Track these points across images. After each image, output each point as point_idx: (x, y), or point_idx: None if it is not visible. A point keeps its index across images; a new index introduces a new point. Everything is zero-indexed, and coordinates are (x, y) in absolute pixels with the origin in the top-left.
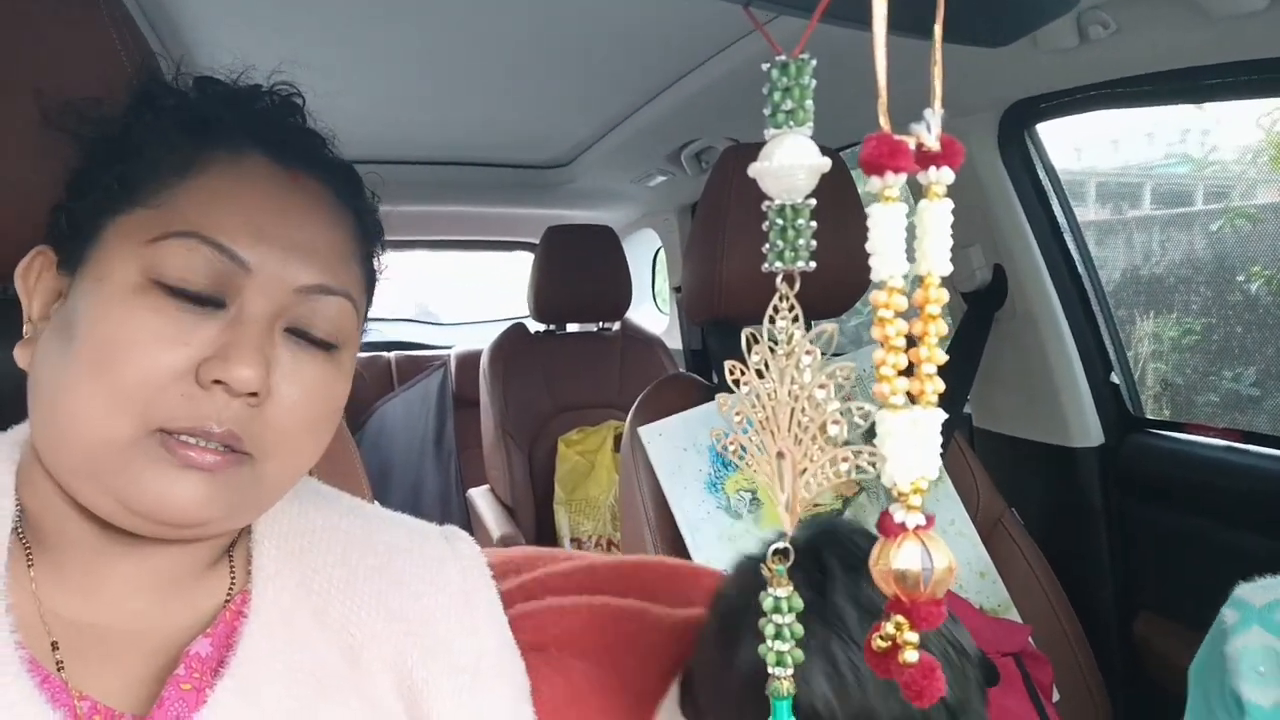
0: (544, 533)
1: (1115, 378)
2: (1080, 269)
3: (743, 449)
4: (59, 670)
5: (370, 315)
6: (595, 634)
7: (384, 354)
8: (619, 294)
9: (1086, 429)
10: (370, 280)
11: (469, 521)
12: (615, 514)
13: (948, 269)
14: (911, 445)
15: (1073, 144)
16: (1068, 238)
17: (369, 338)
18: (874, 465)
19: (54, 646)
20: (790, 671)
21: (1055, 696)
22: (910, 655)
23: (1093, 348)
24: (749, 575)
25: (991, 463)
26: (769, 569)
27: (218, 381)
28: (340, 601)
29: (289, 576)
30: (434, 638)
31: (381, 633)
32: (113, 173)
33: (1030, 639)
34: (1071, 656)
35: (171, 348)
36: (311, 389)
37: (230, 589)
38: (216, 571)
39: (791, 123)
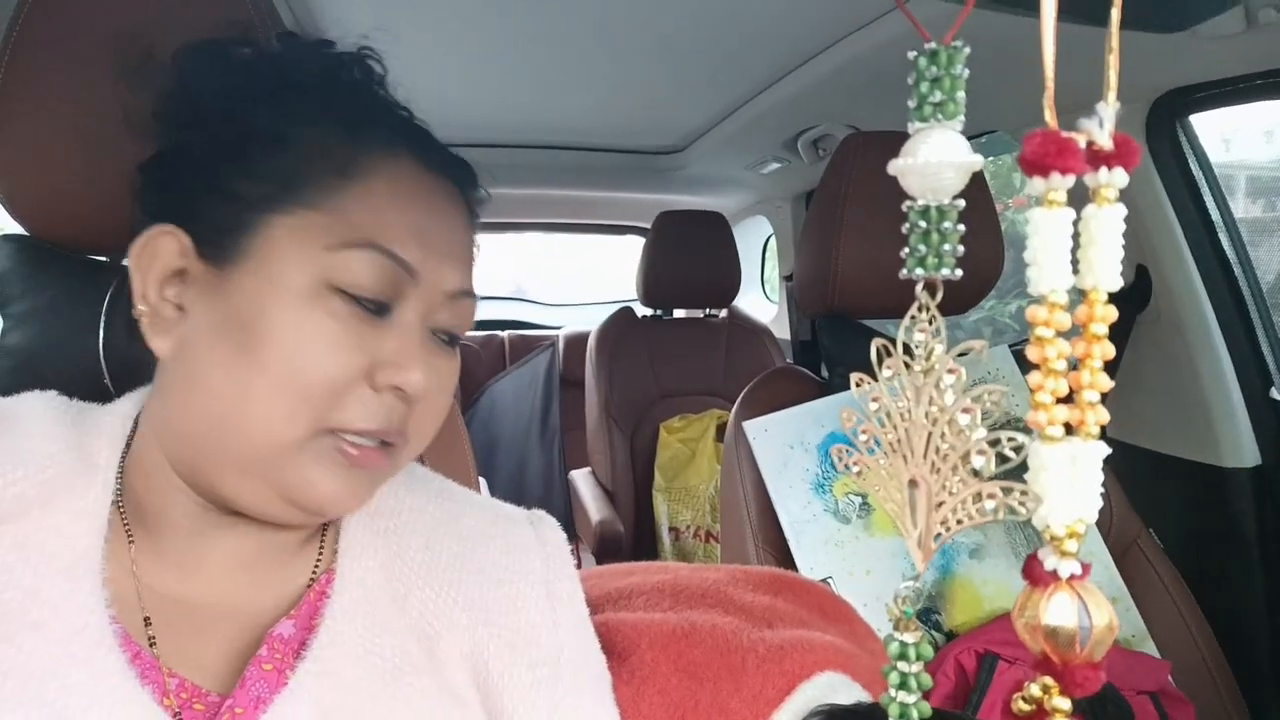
0: (642, 519)
1: (1276, 393)
2: (1237, 271)
3: (869, 471)
4: (151, 646)
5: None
6: (689, 649)
7: (499, 333)
8: (728, 281)
9: (1240, 448)
10: None
11: (569, 503)
12: (715, 505)
13: (1117, 283)
14: (1069, 483)
15: (1221, 135)
16: (1222, 236)
17: (483, 316)
18: (1025, 506)
19: (146, 622)
20: None
21: None
22: None
23: (1250, 359)
24: None
25: (1128, 479)
26: (895, 609)
27: (393, 386)
28: (420, 589)
29: (373, 557)
30: (513, 629)
31: (460, 622)
32: (269, 166)
33: (1170, 677)
34: (1217, 699)
35: (350, 354)
36: (445, 382)
37: (316, 568)
38: (307, 550)
39: (940, 116)
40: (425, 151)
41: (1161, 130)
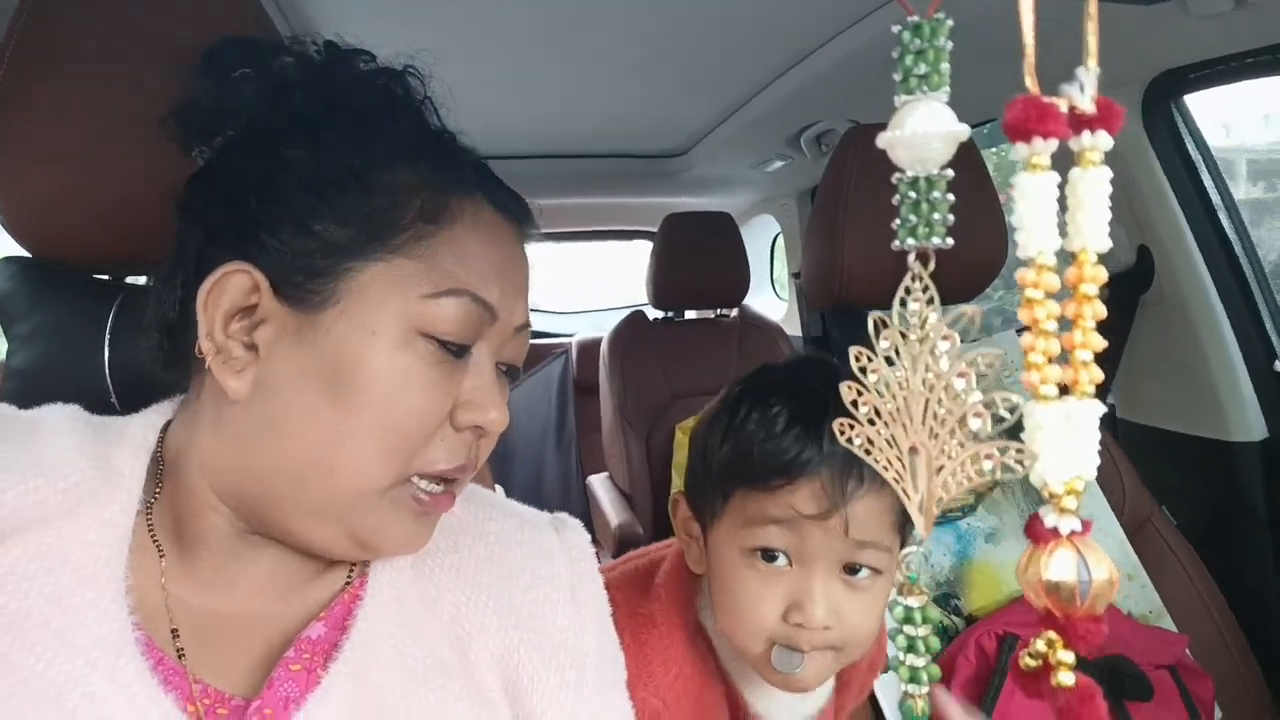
0: (661, 521)
1: None
2: (1237, 249)
3: (870, 442)
4: (179, 656)
5: None
6: (626, 593)
7: None
8: (737, 280)
9: (1247, 422)
10: None
11: (588, 508)
12: None
13: (1106, 244)
14: (1065, 441)
15: (1220, 119)
16: (1221, 216)
17: None
18: (1022, 464)
19: (174, 634)
20: (926, 690)
21: (1218, 714)
22: (1065, 677)
23: (1253, 334)
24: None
25: (1139, 457)
26: (901, 574)
27: (474, 425)
28: (451, 591)
29: (405, 558)
30: (541, 632)
31: (490, 625)
32: (358, 211)
33: (1188, 650)
34: (1235, 671)
35: (440, 397)
36: (505, 411)
37: (350, 574)
38: (341, 562)
39: (925, 88)
40: (495, 191)
41: (1158, 111)
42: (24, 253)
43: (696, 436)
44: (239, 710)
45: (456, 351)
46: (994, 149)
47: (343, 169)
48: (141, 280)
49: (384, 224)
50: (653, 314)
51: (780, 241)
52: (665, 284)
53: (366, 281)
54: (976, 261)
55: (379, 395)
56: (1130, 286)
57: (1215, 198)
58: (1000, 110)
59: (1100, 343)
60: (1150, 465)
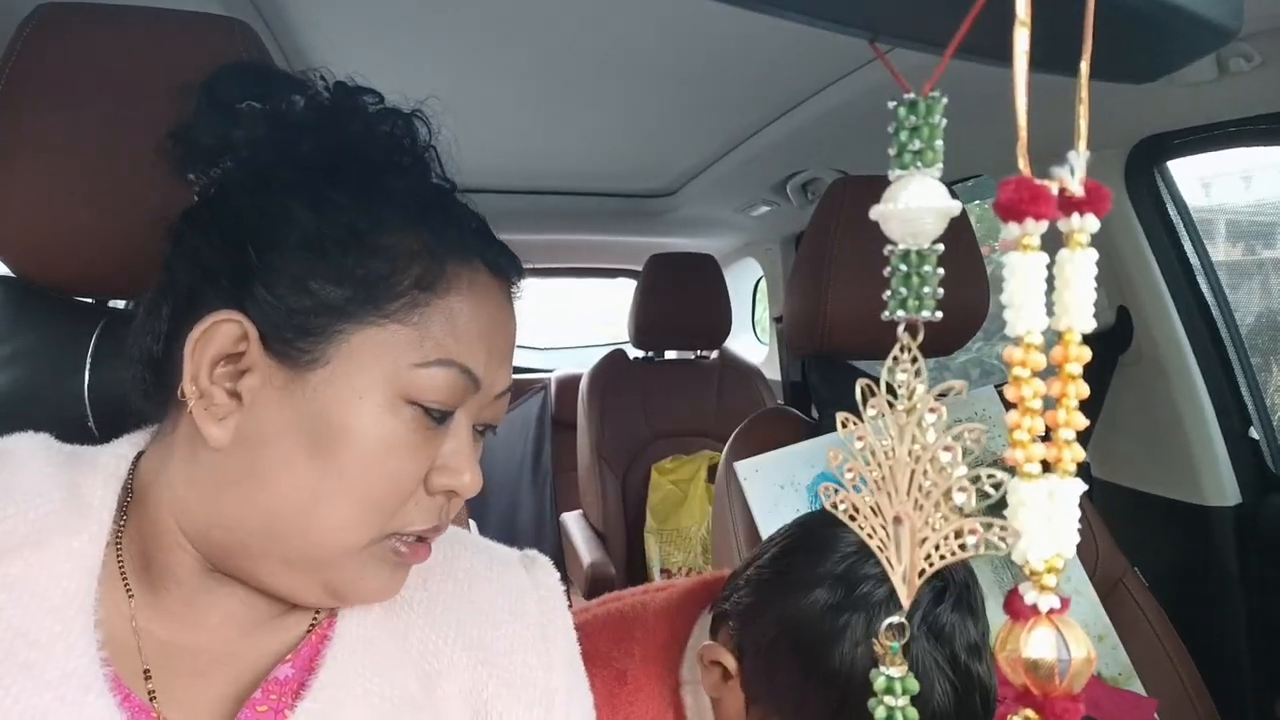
0: (634, 561)
1: (1255, 432)
2: (1215, 313)
3: (855, 508)
4: (150, 697)
5: None
6: (597, 642)
7: None
8: (719, 322)
9: (1221, 486)
10: None
11: (561, 545)
12: (707, 546)
13: (1090, 325)
14: (1047, 518)
15: (1200, 179)
16: (1200, 280)
17: None
18: (1005, 541)
19: (146, 675)
20: None
21: None
22: None
23: (1229, 398)
24: (811, 529)
25: (1112, 517)
26: (881, 645)
27: (447, 489)
28: (420, 628)
29: None
30: (509, 669)
31: (460, 662)
32: (355, 273)
33: (1156, 714)
34: None
35: (419, 464)
36: (479, 474)
37: (318, 613)
38: None
39: (919, 163)
40: (493, 256)
41: (1140, 176)
42: (5, 272)
43: (765, 595)
44: None
45: (439, 418)
46: (976, 203)
47: (345, 230)
48: (122, 304)
49: (380, 288)
50: (633, 353)
51: (763, 284)
52: (647, 323)
53: (357, 344)
54: (959, 317)
55: (361, 458)
56: (1109, 346)
57: (1195, 261)
58: (980, 167)
59: (1083, 422)
60: (1124, 525)
